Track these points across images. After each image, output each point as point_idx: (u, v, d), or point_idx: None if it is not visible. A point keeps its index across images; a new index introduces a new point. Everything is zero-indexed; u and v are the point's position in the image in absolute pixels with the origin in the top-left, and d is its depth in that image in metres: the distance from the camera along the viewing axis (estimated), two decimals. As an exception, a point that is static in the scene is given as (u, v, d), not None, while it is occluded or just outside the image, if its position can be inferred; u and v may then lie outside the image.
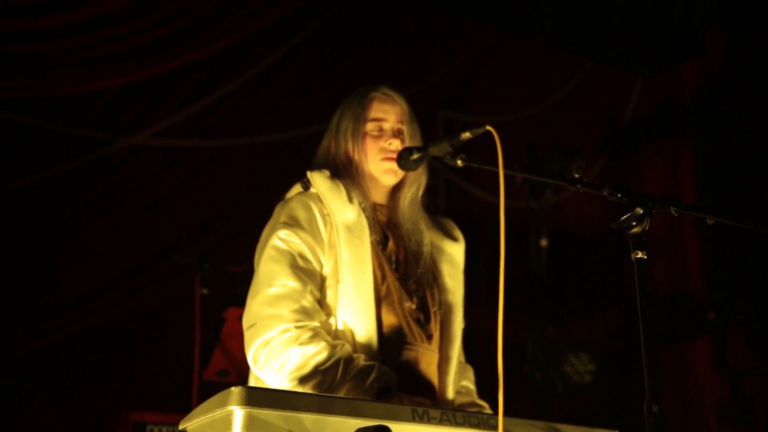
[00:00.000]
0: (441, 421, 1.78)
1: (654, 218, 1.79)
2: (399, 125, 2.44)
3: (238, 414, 1.55)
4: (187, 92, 4.64)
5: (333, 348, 2.13)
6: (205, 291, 3.71)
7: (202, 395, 3.57)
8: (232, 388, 1.58)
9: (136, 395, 5.12)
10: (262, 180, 5.09)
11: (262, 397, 1.58)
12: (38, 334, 4.81)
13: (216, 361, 4.13)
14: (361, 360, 2.14)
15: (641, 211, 1.76)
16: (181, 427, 1.75)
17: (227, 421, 1.57)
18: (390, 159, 2.39)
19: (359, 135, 2.41)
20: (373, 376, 2.10)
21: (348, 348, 2.16)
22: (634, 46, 4.97)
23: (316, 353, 2.10)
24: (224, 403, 1.58)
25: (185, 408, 1.87)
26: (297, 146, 4.90)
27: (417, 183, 2.50)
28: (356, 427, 1.63)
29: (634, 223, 1.76)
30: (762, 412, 4.35)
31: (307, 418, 1.61)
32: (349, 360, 2.12)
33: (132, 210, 4.81)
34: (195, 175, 4.95)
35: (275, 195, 2.51)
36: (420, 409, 1.76)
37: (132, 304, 5.06)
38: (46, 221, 4.62)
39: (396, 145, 2.40)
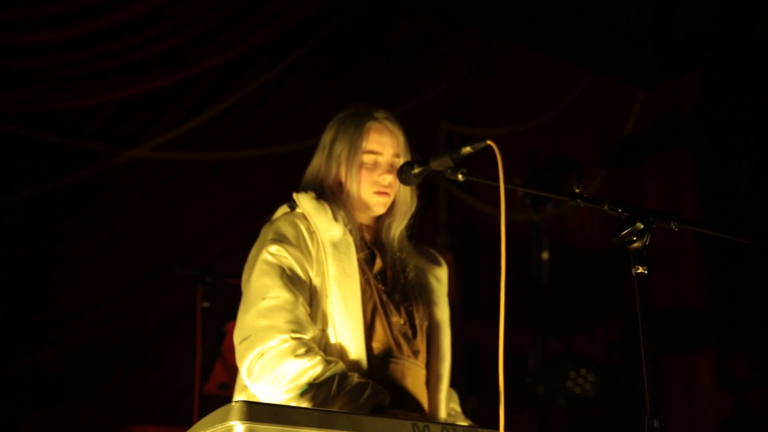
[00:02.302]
0: (442, 436, 1.77)
1: (655, 230, 1.79)
2: (394, 159, 2.46)
3: (239, 429, 1.55)
4: (189, 106, 4.65)
5: (328, 363, 2.14)
6: (206, 304, 3.70)
7: (204, 409, 3.57)
8: (233, 403, 1.57)
9: (136, 409, 5.11)
10: (263, 193, 5.09)
11: (263, 412, 1.57)
12: (38, 347, 4.80)
13: (217, 374, 4.13)
14: (356, 377, 2.15)
15: (641, 226, 1.75)
16: (181, 443, 1.75)
17: (228, 437, 1.57)
18: (381, 194, 2.44)
19: (354, 164, 2.43)
20: (367, 393, 2.10)
21: (342, 365, 2.17)
22: (635, 59, 4.98)
23: (310, 367, 2.11)
24: (225, 418, 1.57)
25: (186, 422, 1.88)
26: (299, 159, 4.87)
27: (406, 215, 2.53)
28: (357, 443, 1.62)
29: (634, 238, 1.76)
30: (765, 426, 4.34)
31: (308, 433, 1.61)
32: (343, 376, 2.13)
33: (133, 223, 4.81)
34: (196, 188, 4.95)
35: (277, 208, 2.52)
36: (421, 424, 1.75)
37: (133, 318, 5.05)
38: (47, 234, 4.62)
39: (389, 180, 2.43)
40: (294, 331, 2.16)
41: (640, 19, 4.85)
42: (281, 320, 2.17)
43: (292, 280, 2.25)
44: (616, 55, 4.98)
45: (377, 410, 2.10)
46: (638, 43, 4.88)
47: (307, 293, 2.27)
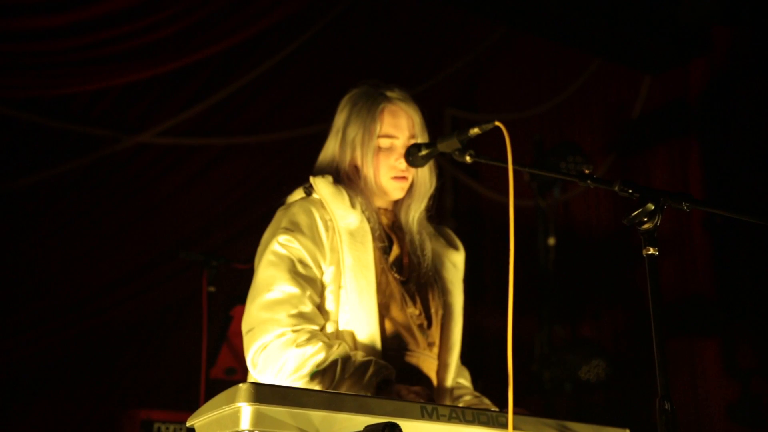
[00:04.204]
0: (450, 419, 1.76)
1: (662, 217, 1.76)
2: (410, 141, 2.39)
3: (246, 411, 1.54)
4: (194, 91, 4.64)
5: (330, 348, 2.12)
6: (212, 289, 3.69)
7: (210, 393, 3.55)
8: (240, 385, 1.57)
9: (143, 393, 5.12)
10: (268, 178, 5.08)
11: (270, 394, 1.57)
12: (46, 332, 4.81)
13: (223, 359, 4.13)
14: (359, 356, 2.13)
15: (652, 207, 1.73)
16: (188, 424, 1.74)
17: (235, 418, 1.56)
18: (399, 179, 2.38)
19: (369, 149, 2.36)
20: (371, 371, 2.09)
21: (345, 347, 2.15)
22: (642, 44, 4.95)
23: (313, 354, 2.10)
24: (232, 400, 1.56)
25: (193, 406, 1.86)
26: (304, 144, 4.90)
27: (425, 197, 2.47)
28: (364, 424, 1.61)
29: (645, 219, 1.73)
30: (771, 412, 4.33)
31: (316, 414, 1.60)
32: (346, 358, 2.12)
33: (139, 208, 4.81)
34: (201, 173, 4.95)
35: (282, 192, 2.49)
36: (429, 406, 1.74)
37: (139, 302, 5.06)
38: (52, 220, 4.62)
39: (406, 164, 2.36)
40: (295, 325, 2.14)
41: (647, 4, 4.81)
42: (283, 314, 2.14)
43: (300, 271, 2.21)
44: (623, 40, 4.95)
45: (383, 385, 2.09)
46: (645, 29, 4.85)
47: (317, 285, 2.23)
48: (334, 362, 2.10)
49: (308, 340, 2.12)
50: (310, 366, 2.09)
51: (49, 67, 3.98)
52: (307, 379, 2.09)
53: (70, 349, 4.92)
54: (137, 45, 4.04)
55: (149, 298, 5.07)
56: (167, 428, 4.06)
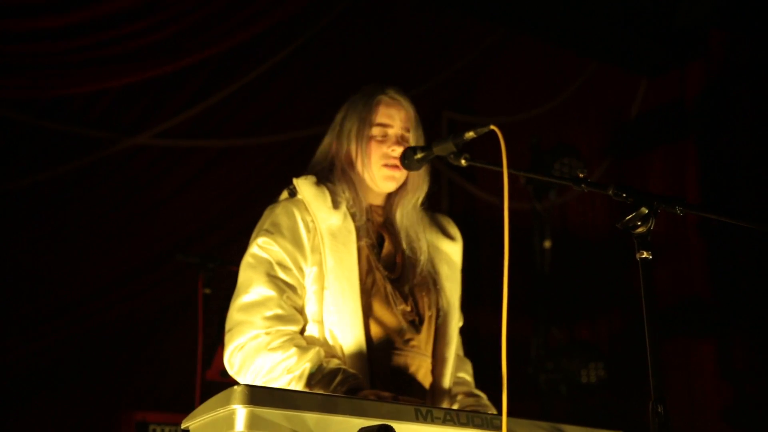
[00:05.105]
0: (444, 421, 1.77)
1: (658, 220, 1.77)
2: (404, 132, 2.42)
3: (240, 413, 1.55)
4: (191, 93, 4.64)
5: (303, 352, 2.13)
6: (208, 291, 3.71)
7: (205, 395, 3.55)
8: (235, 387, 1.57)
9: (138, 395, 5.12)
10: (265, 180, 5.09)
11: (264, 396, 1.58)
12: (42, 333, 4.82)
13: (219, 361, 4.12)
14: (331, 363, 2.14)
15: (646, 211, 1.74)
16: (183, 426, 1.75)
17: (230, 420, 1.56)
18: (391, 166, 2.38)
19: (363, 138, 2.39)
20: (337, 379, 2.09)
21: (316, 352, 2.15)
22: (639, 47, 4.96)
23: (284, 359, 2.11)
24: (227, 402, 1.57)
25: (188, 408, 1.87)
26: (300, 147, 4.90)
27: (417, 192, 2.47)
28: (359, 427, 1.62)
29: (639, 223, 1.75)
30: (765, 415, 4.33)
31: (310, 417, 1.60)
32: (317, 364, 2.12)
33: (135, 210, 4.82)
34: (198, 175, 4.95)
35: (278, 195, 2.50)
36: (423, 409, 1.75)
37: (135, 304, 5.06)
38: (49, 221, 4.63)
39: (399, 152, 2.37)
40: (269, 327, 2.16)
41: (643, 7, 4.82)
42: (258, 317, 2.17)
43: (278, 274, 2.22)
44: (619, 43, 4.96)
45: (350, 394, 2.07)
46: (642, 32, 4.86)
47: (295, 287, 2.24)
48: (304, 368, 2.11)
49: (282, 344, 2.13)
50: (280, 370, 2.11)
51: (46, 69, 3.98)
52: (278, 383, 2.11)
53: (66, 350, 4.92)
54: (134, 47, 4.04)
55: (146, 300, 5.07)
56: (162, 430, 4.06)
